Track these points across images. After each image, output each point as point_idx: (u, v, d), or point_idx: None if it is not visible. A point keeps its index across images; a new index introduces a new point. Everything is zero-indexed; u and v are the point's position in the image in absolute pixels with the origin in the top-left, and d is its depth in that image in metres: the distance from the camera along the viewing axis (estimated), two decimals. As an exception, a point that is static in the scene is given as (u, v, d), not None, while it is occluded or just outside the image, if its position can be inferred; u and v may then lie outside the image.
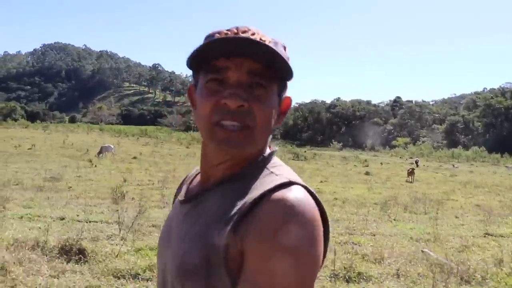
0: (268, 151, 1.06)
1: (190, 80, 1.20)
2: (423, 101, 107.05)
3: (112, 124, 79.72)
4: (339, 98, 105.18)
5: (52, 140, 36.45)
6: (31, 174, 16.16)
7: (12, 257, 5.28)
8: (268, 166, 1.02)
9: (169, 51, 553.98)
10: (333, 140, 70.49)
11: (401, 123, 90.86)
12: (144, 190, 13.63)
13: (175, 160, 28.93)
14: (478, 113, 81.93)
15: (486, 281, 5.93)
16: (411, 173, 25.62)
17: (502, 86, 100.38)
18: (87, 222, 7.97)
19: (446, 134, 79.98)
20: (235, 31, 0.97)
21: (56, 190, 12.33)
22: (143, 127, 68.26)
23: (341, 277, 5.73)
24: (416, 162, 42.30)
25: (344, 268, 5.89)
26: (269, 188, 0.92)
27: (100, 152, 26.68)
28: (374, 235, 9.00)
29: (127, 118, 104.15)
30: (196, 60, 0.98)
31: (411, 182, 24.38)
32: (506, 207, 14.82)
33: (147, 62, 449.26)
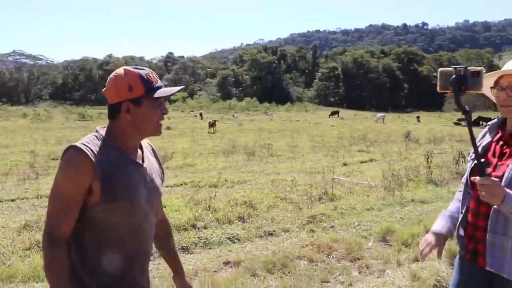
0: None
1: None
2: (194, 56, 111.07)
3: None
4: (111, 54, 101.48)
5: None
6: None
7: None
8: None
9: None
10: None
11: (176, 78, 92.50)
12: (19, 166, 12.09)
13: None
14: (246, 67, 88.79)
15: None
16: (212, 124, 26.92)
17: (256, 42, 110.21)
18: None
19: (219, 88, 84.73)
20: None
21: None
22: None
23: (324, 199, 7.32)
24: (201, 114, 44.23)
25: (323, 193, 7.47)
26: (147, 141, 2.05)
27: None
28: (279, 173, 9.97)
29: None
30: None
31: (213, 133, 25.62)
32: (316, 146, 17.34)
33: None
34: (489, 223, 1.96)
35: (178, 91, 1.86)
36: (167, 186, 8.45)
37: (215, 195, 6.77)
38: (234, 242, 5.13)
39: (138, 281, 1.89)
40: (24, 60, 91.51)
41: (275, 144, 18.62)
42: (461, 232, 2.14)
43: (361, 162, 12.36)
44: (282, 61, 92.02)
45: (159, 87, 1.79)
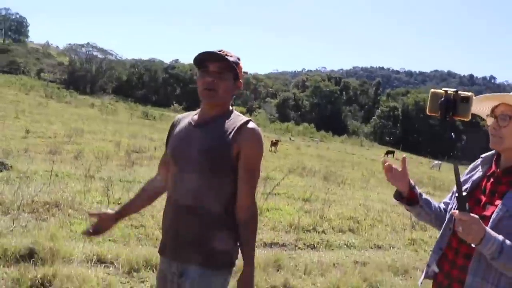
0: (230, 108, 2.15)
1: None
2: (257, 73, 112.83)
3: None
4: (177, 60, 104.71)
5: None
6: None
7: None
8: (235, 112, 2.14)
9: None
10: (174, 102, 70.00)
11: (237, 92, 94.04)
12: (57, 144, 13.38)
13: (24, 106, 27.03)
14: (308, 93, 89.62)
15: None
16: (275, 143, 27.10)
17: (318, 69, 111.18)
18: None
19: (278, 108, 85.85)
20: (220, 52, 2.05)
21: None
22: None
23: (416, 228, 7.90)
24: (256, 132, 44.94)
25: (415, 222, 8.11)
26: (245, 120, 2.05)
27: None
28: (365, 199, 10.81)
29: None
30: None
31: (275, 152, 25.77)
32: (382, 181, 17.86)
33: None
34: (470, 264, 1.81)
35: (206, 52, 2.06)
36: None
37: (329, 206, 7.74)
38: (350, 248, 6.05)
39: (181, 234, 2.03)
40: (95, 53, 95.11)
41: (338, 172, 19.24)
42: (435, 269, 1.99)
43: (432, 201, 12.89)
44: (344, 92, 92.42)
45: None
